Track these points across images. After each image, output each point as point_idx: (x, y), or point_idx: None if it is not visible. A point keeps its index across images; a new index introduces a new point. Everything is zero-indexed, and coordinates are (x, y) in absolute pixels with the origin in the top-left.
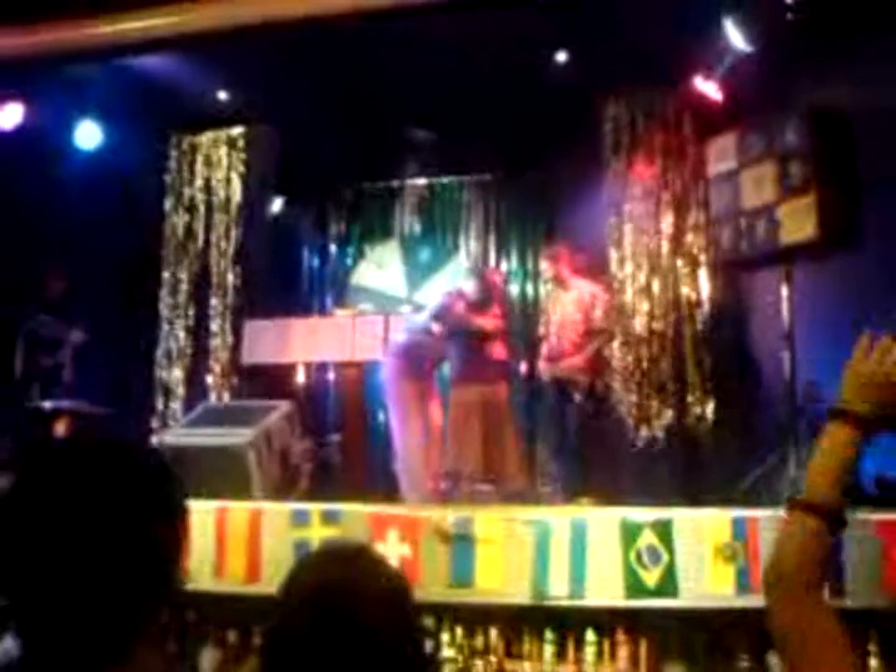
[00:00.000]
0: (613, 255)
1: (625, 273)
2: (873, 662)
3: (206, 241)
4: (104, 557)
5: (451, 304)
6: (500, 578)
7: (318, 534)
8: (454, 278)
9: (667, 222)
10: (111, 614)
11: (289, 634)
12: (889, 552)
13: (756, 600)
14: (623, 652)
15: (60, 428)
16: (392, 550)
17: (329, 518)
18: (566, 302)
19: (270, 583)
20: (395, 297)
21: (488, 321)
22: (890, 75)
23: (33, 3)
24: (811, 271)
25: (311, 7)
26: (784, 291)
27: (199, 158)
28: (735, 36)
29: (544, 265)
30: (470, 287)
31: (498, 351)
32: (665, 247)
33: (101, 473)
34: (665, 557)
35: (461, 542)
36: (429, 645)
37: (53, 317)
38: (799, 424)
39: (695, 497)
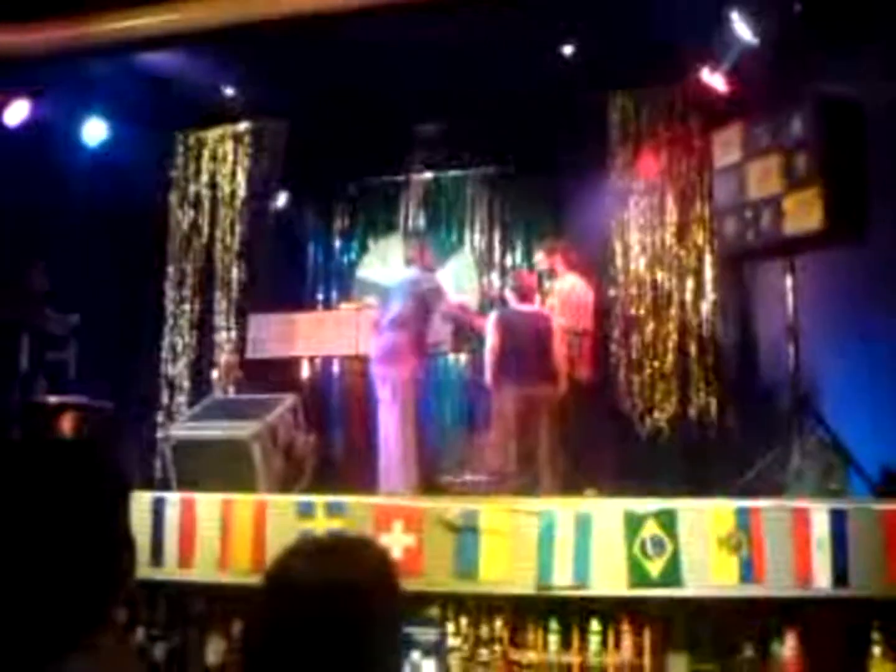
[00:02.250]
0: (618, 247)
1: (630, 264)
2: (876, 651)
3: (211, 236)
4: (50, 551)
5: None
6: (505, 569)
7: (323, 525)
8: (459, 272)
9: (672, 214)
10: (61, 603)
11: (264, 627)
12: (892, 541)
13: (759, 590)
14: (627, 641)
15: (66, 422)
16: (397, 541)
17: (334, 510)
18: (555, 294)
19: None
20: None
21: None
22: None
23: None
24: (816, 263)
25: (322, 3)
26: (788, 283)
27: (205, 154)
28: (741, 28)
29: (539, 257)
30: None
31: (546, 351)
32: (670, 238)
33: (34, 472)
34: (669, 547)
35: (466, 533)
36: (434, 634)
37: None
38: (803, 415)
39: (699, 488)
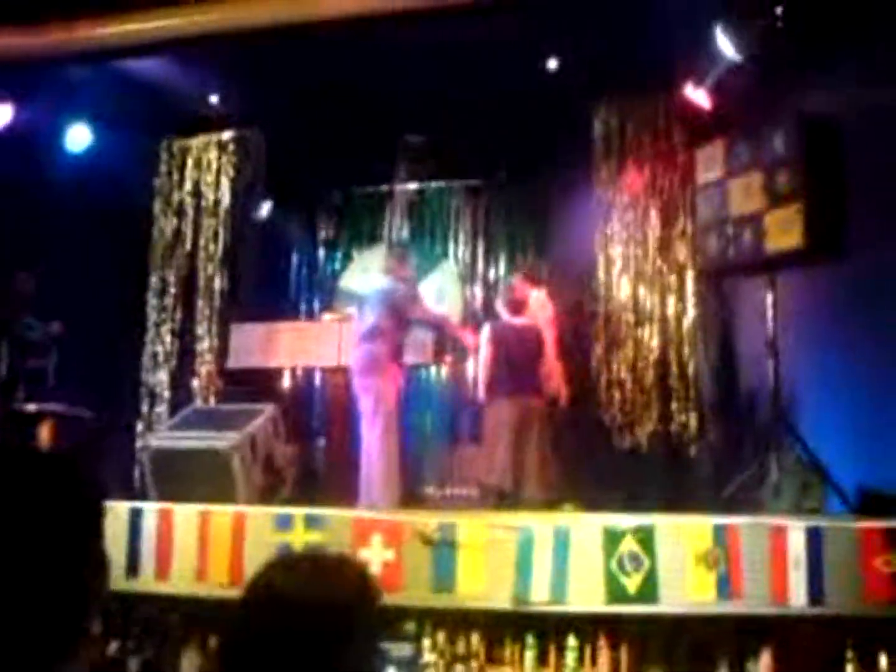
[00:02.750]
0: (601, 261)
1: (612, 278)
2: (850, 669)
3: (194, 245)
4: (16, 571)
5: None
6: (482, 583)
7: (301, 539)
8: (442, 284)
9: (654, 229)
10: (28, 627)
11: (242, 642)
12: (868, 560)
13: (736, 607)
14: (604, 657)
15: (44, 430)
16: (376, 555)
17: (312, 523)
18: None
19: None
20: None
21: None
22: (877, 84)
23: (26, 5)
24: (796, 279)
25: (307, 13)
26: (769, 299)
27: (189, 162)
28: (725, 45)
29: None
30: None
31: (537, 364)
32: (652, 253)
33: (9, 485)
34: (646, 564)
35: (444, 548)
36: (409, 649)
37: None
38: (781, 433)
39: (677, 504)
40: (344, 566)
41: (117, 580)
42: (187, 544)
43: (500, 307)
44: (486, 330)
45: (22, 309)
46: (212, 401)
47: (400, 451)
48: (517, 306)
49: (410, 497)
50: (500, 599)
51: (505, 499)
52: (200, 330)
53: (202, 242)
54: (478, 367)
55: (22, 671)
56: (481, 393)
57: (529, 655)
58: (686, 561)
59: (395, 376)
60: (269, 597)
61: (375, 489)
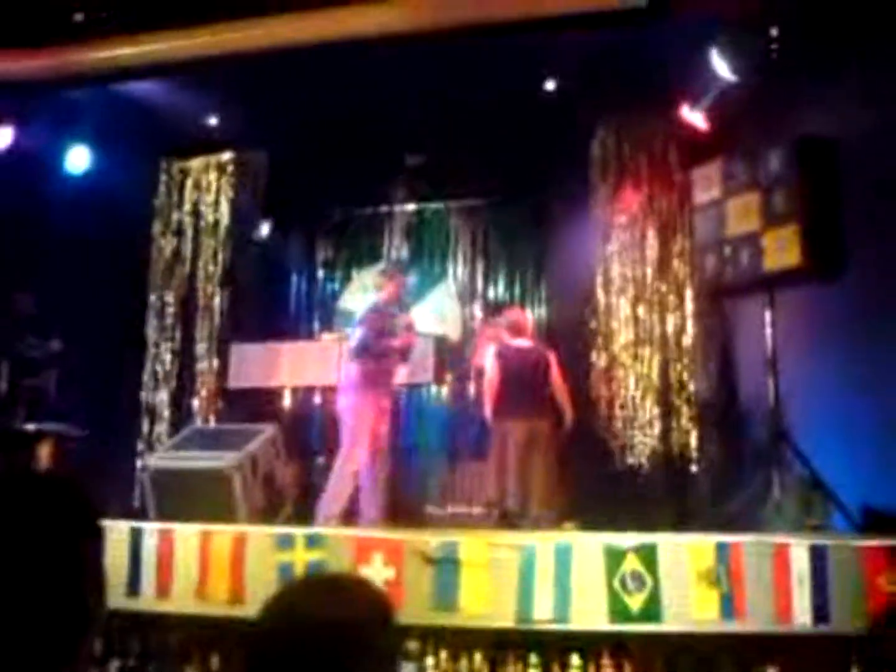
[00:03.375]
0: (600, 280)
1: (611, 298)
2: None
3: (194, 265)
4: (19, 595)
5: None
6: (485, 602)
7: (301, 558)
8: (442, 303)
9: (652, 249)
10: (33, 648)
11: (262, 663)
12: (872, 579)
13: (739, 625)
14: None
15: (44, 450)
16: (377, 574)
17: (313, 542)
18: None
19: (254, 606)
20: None
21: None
22: (874, 104)
23: (26, 27)
24: (795, 298)
25: (301, 35)
26: (768, 317)
27: (189, 183)
28: (721, 66)
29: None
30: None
31: (543, 386)
32: (650, 273)
33: (6, 506)
34: (649, 582)
35: (446, 566)
36: (412, 668)
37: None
38: (782, 450)
39: (679, 522)
40: (359, 586)
41: (118, 599)
42: (188, 564)
43: (500, 331)
44: (491, 351)
45: (22, 328)
46: (212, 420)
47: (392, 470)
48: (517, 329)
49: (412, 515)
50: (503, 618)
51: (510, 518)
52: (200, 350)
53: (201, 263)
54: (483, 388)
55: None
56: (488, 413)
57: None
58: (689, 579)
59: (375, 397)
60: (288, 618)
61: (361, 505)
